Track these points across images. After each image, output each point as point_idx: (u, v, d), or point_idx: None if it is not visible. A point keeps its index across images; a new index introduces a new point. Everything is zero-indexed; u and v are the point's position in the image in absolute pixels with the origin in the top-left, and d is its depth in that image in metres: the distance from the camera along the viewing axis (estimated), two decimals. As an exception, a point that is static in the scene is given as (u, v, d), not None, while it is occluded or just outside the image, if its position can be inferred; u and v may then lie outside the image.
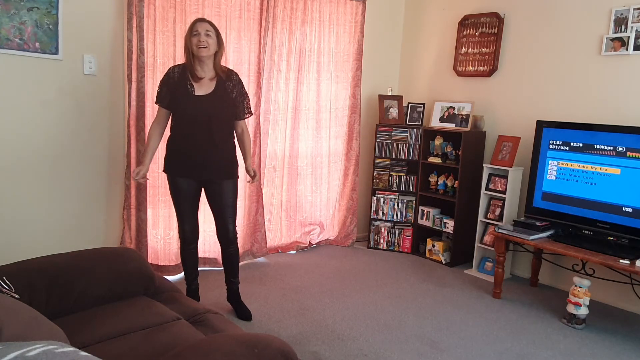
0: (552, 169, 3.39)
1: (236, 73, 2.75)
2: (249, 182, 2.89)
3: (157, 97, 2.70)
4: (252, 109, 3.08)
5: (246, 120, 2.83)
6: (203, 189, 2.80)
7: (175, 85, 2.63)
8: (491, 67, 3.95)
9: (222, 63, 2.75)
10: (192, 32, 2.56)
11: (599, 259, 2.87)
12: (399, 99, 4.34)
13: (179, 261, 3.49)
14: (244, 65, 3.56)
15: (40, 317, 1.37)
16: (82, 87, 3.02)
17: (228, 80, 2.68)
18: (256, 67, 3.62)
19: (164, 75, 2.69)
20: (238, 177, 2.83)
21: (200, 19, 2.62)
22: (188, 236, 2.83)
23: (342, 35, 4.13)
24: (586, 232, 3.21)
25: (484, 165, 3.83)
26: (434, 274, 3.82)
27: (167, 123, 2.75)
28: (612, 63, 3.30)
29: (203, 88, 2.63)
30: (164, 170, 2.77)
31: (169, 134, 2.77)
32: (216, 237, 2.88)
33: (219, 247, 3.59)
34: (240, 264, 3.67)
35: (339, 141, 4.31)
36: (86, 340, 1.67)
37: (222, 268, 2.96)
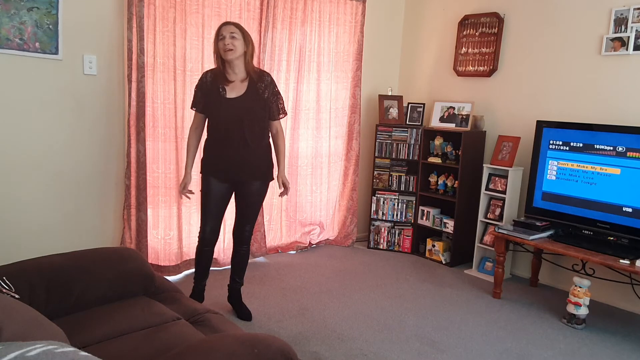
0: (552, 169, 3.39)
1: (268, 74, 2.76)
2: (280, 195, 2.91)
3: (192, 101, 2.75)
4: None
5: (281, 119, 2.83)
6: (234, 191, 2.82)
7: (209, 89, 2.67)
8: (491, 67, 3.95)
9: None
10: (218, 36, 2.59)
11: (599, 259, 2.87)
12: (399, 99, 4.34)
13: (179, 261, 3.49)
14: (244, 65, 3.56)
15: (40, 317, 1.37)
16: (82, 87, 3.02)
17: (260, 81, 2.69)
18: (257, 66, 3.62)
19: (199, 80, 2.73)
20: (272, 179, 2.85)
21: (226, 22, 2.63)
22: (207, 237, 2.83)
23: (342, 35, 4.13)
24: (586, 232, 3.20)
25: (484, 165, 3.84)
26: (434, 274, 3.82)
27: (204, 127, 2.78)
28: (612, 63, 3.30)
29: (235, 90, 2.66)
30: (201, 171, 2.80)
31: (205, 136, 2.79)
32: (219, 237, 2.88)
33: (222, 247, 3.60)
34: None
35: (339, 141, 4.31)
36: (86, 340, 1.67)
37: (223, 268, 2.97)
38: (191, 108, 2.78)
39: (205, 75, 2.73)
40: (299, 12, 3.84)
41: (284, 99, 3.84)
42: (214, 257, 3.60)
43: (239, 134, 2.65)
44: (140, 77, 3.10)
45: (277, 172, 2.87)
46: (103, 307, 1.92)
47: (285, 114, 2.84)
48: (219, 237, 3.53)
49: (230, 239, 2.96)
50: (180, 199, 2.92)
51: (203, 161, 2.79)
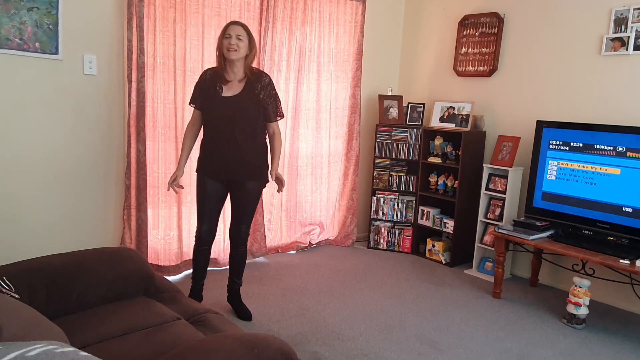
0: (552, 169, 3.39)
1: (267, 75, 2.76)
2: (278, 191, 2.91)
3: (191, 98, 2.78)
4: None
5: (278, 121, 2.83)
6: (229, 191, 2.82)
7: (206, 87, 2.69)
8: (491, 67, 3.95)
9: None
10: (224, 34, 2.60)
11: (599, 259, 2.87)
12: (399, 99, 4.34)
13: (179, 261, 3.49)
14: (244, 65, 3.56)
15: (40, 317, 1.37)
16: (82, 87, 3.02)
17: (257, 81, 2.70)
18: (256, 67, 3.62)
19: (199, 77, 2.76)
20: (267, 181, 2.85)
21: (234, 21, 2.65)
22: (204, 236, 2.84)
23: (342, 35, 4.13)
24: (586, 232, 3.20)
25: (484, 165, 3.84)
26: (434, 274, 3.82)
27: (201, 124, 2.79)
28: (612, 63, 3.30)
29: (231, 90, 2.67)
30: (196, 170, 2.81)
31: (202, 135, 2.80)
32: (219, 237, 2.89)
33: (221, 247, 3.59)
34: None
35: (339, 141, 4.31)
36: (86, 340, 1.67)
37: (223, 268, 2.97)
38: (189, 104, 2.80)
39: (205, 72, 2.75)
40: (299, 12, 3.84)
41: (282, 101, 3.89)
42: (214, 257, 3.61)
43: (229, 132, 2.66)
44: (140, 77, 3.10)
45: (270, 168, 2.86)
46: (103, 307, 1.93)
47: (282, 116, 2.84)
48: (219, 237, 3.55)
49: (230, 238, 2.95)
50: (168, 190, 2.92)
51: (198, 160, 2.80)
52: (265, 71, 3.65)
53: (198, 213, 2.82)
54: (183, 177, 3.38)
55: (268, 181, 2.86)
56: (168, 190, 2.85)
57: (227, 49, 2.58)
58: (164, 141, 3.32)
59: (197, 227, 2.84)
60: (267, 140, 2.85)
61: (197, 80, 2.77)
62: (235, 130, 2.65)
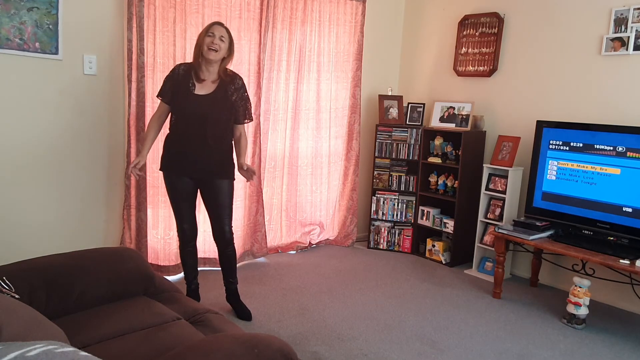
0: (552, 169, 3.39)
1: (241, 77, 2.76)
2: (247, 180, 2.87)
3: (160, 91, 2.74)
4: (253, 110, 3.08)
5: (246, 123, 2.82)
6: (200, 190, 2.82)
7: (179, 82, 2.67)
8: (491, 67, 3.95)
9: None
10: (207, 32, 2.60)
11: (599, 259, 2.87)
12: (399, 99, 4.34)
13: (179, 261, 3.48)
14: (244, 65, 3.56)
15: (40, 317, 1.37)
16: (82, 87, 3.02)
17: (231, 83, 2.70)
18: (256, 67, 3.62)
19: (170, 71, 2.73)
20: (234, 179, 2.83)
21: (219, 22, 2.66)
22: (187, 235, 2.84)
23: (342, 35, 4.13)
24: (586, 232, 3.20)
25: (484, 165, 3.83)
26: (434, 274, 3.82)
27: (166, 118, 2.78)
28: (612, 63, 3.30)
29: (204, 88, 2.67)
30: (160, 169, 2.79)
31: (167, 131, 2.78)
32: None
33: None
34: (240, 264, 3.67)
35: (339, 141, 4.31)
36: (86, 340, 1.67)
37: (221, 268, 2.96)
38: (157, 96, 2.75)
39: (177, 67, 2.72)
40: (299, 12, 3.84)
41: (282, 101, 3.90)
42: (213, 257, 3.61)
43: (200, 131, 2.65)
44: (140, 77, 3.10)
45: (237, 165, 2.82)
46: (103, 307, 1.92)
47: (251, 119, 2.84)
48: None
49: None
50: (130, 174, 2.87)
51: (163, 157, 2.77)
52: (265, 71, 3.67)
53: (176, 213, 2.81)
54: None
55: (235, 178, 2.83)
56: (129, 174, 2.80)
57: (208, 47, 2.57)
58: (162, 139, 3.31)
59: (177, 227, 2.84)
60: (232, 142, 2.83)
61: (168, 74, 2.73)
62: (207, 129, 2.64)
